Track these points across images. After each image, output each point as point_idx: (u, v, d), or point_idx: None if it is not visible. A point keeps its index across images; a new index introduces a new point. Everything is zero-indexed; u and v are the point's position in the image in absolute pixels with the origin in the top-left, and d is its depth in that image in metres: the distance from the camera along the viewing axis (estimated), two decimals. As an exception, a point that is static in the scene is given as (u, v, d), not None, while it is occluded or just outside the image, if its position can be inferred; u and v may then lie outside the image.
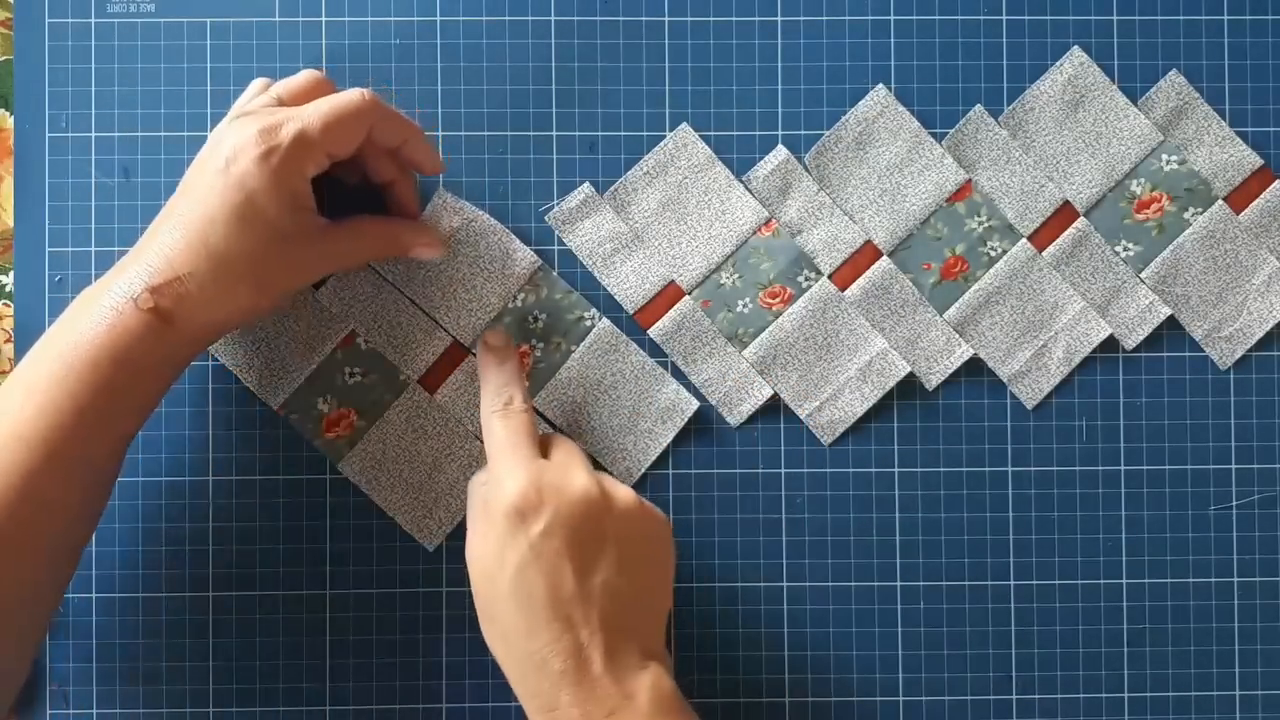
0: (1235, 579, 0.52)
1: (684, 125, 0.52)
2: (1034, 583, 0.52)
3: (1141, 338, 0.52)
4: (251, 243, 0.40)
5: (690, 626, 0.52)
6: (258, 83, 0.47)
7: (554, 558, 0.41)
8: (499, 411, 0.45)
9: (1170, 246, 0.52)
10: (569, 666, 0.40)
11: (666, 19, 0.52)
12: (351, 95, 0.43)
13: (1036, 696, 0.52)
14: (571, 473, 0.43)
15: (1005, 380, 0.52)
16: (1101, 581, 0.52)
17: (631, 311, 0.52)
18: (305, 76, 0.46)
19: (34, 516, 0.39)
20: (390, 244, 0.48)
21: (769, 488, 0.52)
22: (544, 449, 0.45)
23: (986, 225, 0.52)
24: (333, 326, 0.51)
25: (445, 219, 0.51)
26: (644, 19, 0.52)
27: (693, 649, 0.52)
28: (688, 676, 0.52)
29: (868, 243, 0.52)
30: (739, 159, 0.52)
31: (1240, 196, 0.52)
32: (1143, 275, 0.52)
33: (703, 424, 0.52)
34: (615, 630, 0.41)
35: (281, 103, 0.44)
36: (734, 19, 0.52)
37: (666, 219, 0.52)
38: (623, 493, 0.44)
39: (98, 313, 0.40)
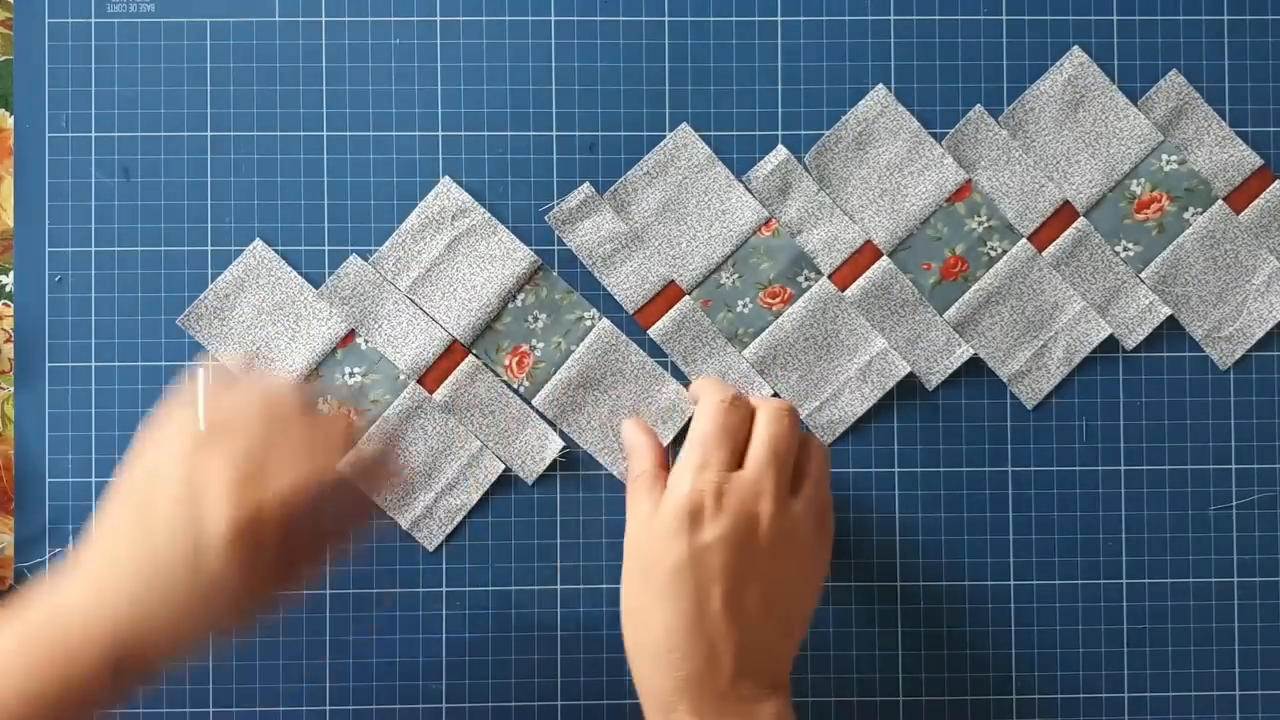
0: (1235, 579, 0.52)
1: (684, 125, 0.52)
2: (1034, 583, 0.52)
3: (1141, 338, 0.52)
4: (224, 620, 0.39)
5: (690, 626, 0.52)
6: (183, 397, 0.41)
7: (710, 573, 0.40)
8: (720, 403, 0.43)
9: (1170, 246, 0.52)
10: (693, 677, 0.40)
11: (666, 19, 0.52)
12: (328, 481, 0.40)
13: (1036, 696, 0.52)
14: (760, 497, 0.41)
15: (1005, 380, 0.52)
16: (1101, 581, 0.52)
17: (631, 311, 0.52)
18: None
19: None
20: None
21: (769, 488, 0.52)
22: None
23: (986, 225, 0.52)
24: (333, 326, 0.51)
25: (447, 206, 0.51)
26: (644, 19, 0.52)
27: (693, 649, 0.52)
28: (688, 676, 0.52)
29: (868, 243, 0.52)
30: (739, 159, 0.52)
31: (1240, 196, 0.52)
32: (1143, 275, 0.52)
33: (703, 424, 0.52)
34: (748, 656, 0.41)
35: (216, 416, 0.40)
36: (734, 19, 0.52)
37: (666, 219, 0.52)
38: (803, 529, 0.42)
39: (64, 660, 0.37)
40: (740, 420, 0.43)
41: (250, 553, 0.37)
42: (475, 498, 0.51)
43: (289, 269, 0.51)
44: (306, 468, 0.39)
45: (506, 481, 0.52)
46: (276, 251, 0.51)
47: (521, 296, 0.52)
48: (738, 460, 0.42)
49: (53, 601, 0.38)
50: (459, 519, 0.52)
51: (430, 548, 0.52)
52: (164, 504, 0.38)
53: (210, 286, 0.51)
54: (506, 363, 0.52)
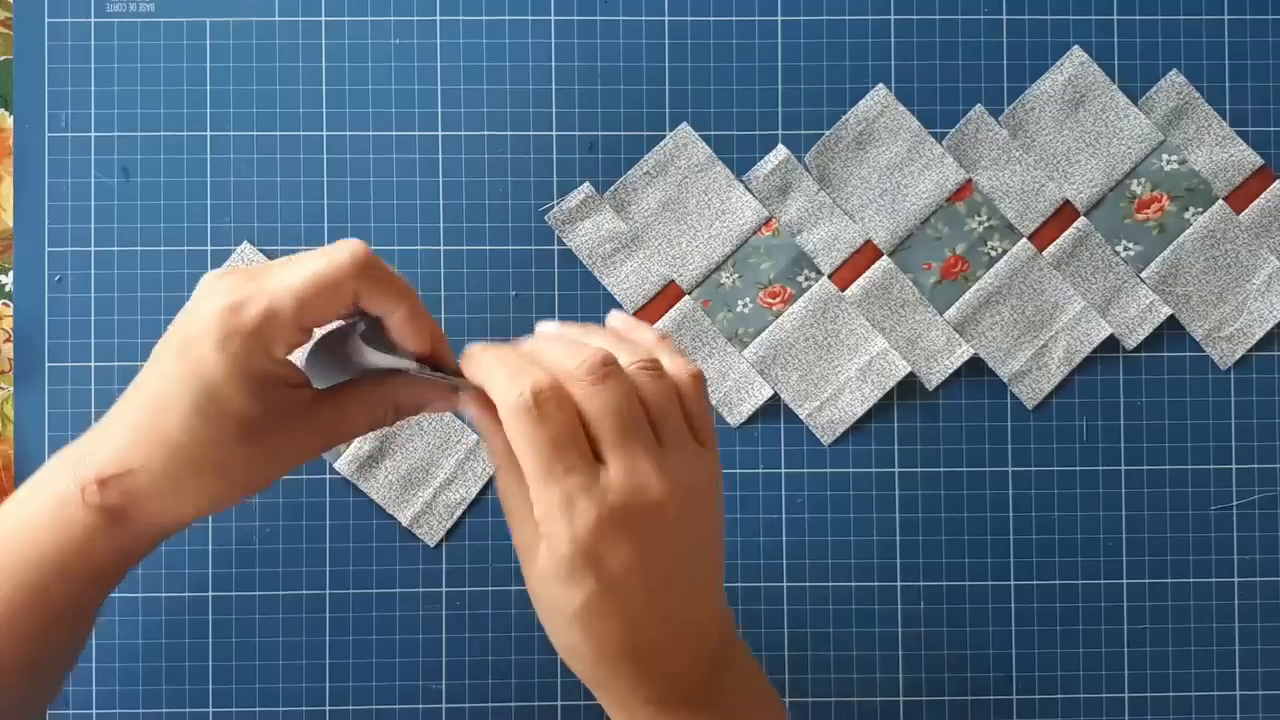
0: (1235, 579, 0.52)
1: (684, 125, 0.52)
2: (1034, 583, 0.52)
3: (1142, 337, 0.52)
4: (213, 434, 0.33)
5: (690, 626, 0.52)
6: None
7: (626, 599, 0.34)
8: (518, 409, 0.33)
9: (1170, 246, 0.52)
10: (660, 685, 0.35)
11: (666, 19, 0.52)
12: (336, 259, 0.33)
13: (1036, 696, 0.52)
14: (642, 488, 0.33)
15: (1005, 380, 0.52)
16: (1101, 581, 0.52)
17: (631, 311, 0.52)
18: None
19: None
20: (390, 410, 0.37)
21: (769, 488, 0.52)
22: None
23: (987, 225, 0.52)
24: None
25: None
26: (644, 19, 0.52)
27: (693, 649, 0.52)
28: (688, 676, 0.52)
29: (868, 242, 0.52)
30: (739, 159, 0.52)
31: (1240, 196, 0.52)
32: (1143, 275, 0.52)
33: (703, 424, 0.52)
34: (697, 634, 0.36)
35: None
36: (734, 19, 0.52)
37: (666, 219, 0.52)
38: (691, 479, 0.34)
39: (41, 503, 0.34)
40: (564, 415, 0.33)
41: (247, 362, 0.32)
42: (474, 491, 0.51)
43: (289, 269, 0.51)
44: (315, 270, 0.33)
45: (506, 481, 0.52)
46: (277, 251, 0.51)
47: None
48: (590, 454, 0.33)
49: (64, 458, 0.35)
50: (459, 513, 0.52)
51: (431, 543, 0.52)
52: (165, 340, 0.34)
53: (210, 286, 0.51)
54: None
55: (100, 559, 0.34)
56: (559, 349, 0.35)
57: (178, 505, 0.34)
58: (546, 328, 0.38)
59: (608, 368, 0.34)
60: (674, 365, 0.36)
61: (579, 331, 0.38)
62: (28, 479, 0.35)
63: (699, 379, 0.36)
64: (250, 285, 0.33)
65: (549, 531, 0.33)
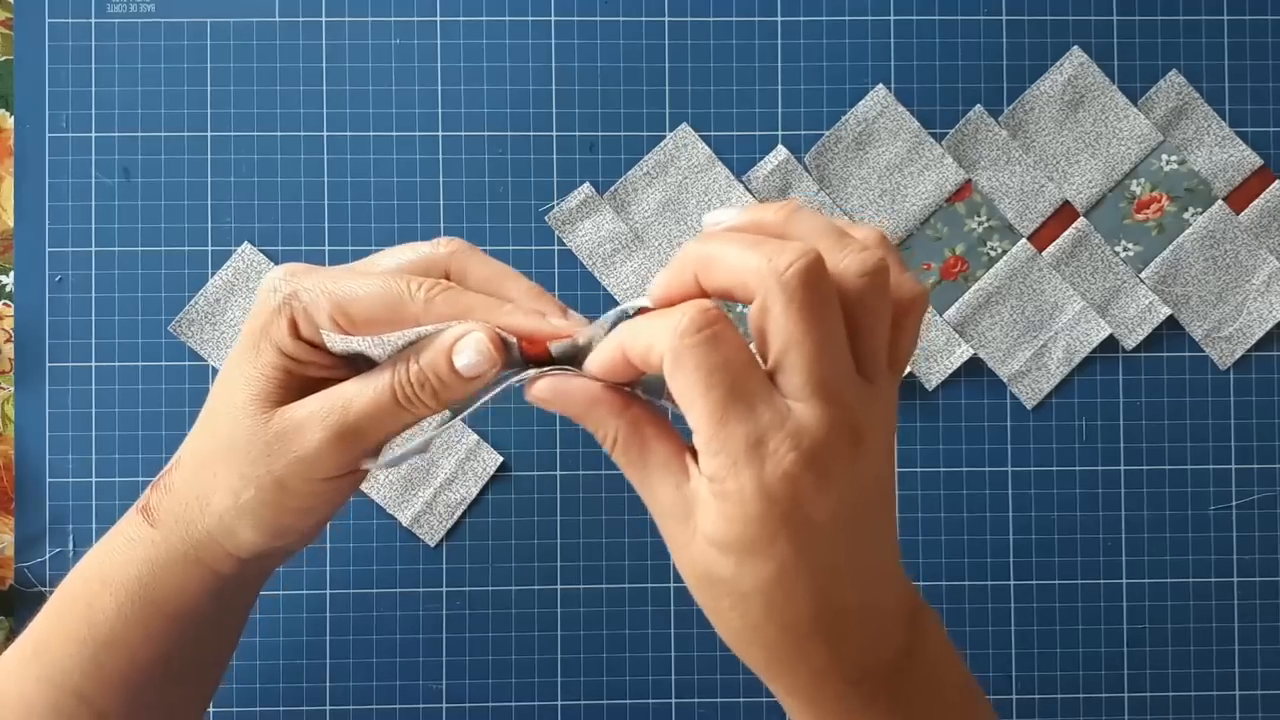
0: (1235, 579, 0.52)
1: (684, 125, 0.52)
2: (1034, 583, 0.52)
3: (1141, 338, 0.52)
4: (226, 426, 0.32)
5: (690, 626, 0.52)
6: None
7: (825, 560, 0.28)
8: (685, 334, 0.27)
9: (1170, 246, 0.52)
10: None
11: (666, 19, 0.52)
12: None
13: (1036, 696, 0.52)
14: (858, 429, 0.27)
15: (1005, 380, 0.52)
16: (1101, 581, 0.52)
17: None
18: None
19: None
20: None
21: (769, 488, 0.52)
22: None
23: (986, 225, 0.52)
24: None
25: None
26: (644, 19, 0.52)
27: (692, 648, 0.52)
28: (687, 676, 0.52)
29: (868, 243, 0.52)
30: (739, 159, 0.52)
31: (1240, 196, 0.52)
32: (1142, 275, 0.52)
33: (703, 424, 0.52)
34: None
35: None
36: (734, 19, 0.52)
37: (666, 219, 0.52)
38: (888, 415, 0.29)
39: (179, 567, 0.34)
40: (736, 336, 0.28)
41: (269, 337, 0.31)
42: (474, 491, 0.51)
43: (289, 269, 0.51)
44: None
45: (507, 481, 0.52)
46: (277, 252, 0.51)
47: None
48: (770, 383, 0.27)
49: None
50: (459, 513, 0.52)
51: (431, 543, 0.52)
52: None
53: (200, 292, 0.51)
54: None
55: (144, 574, 0.33)
56: (737, 252, 0.28)
57: (203, 509, 0.33)
58: (720, 216, 0.31)
59: (813, 273, 0.27)
60: (900, 280, 0.28)
61: (776, 214, 0.30)
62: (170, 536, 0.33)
63: (922, 300, 0.29)
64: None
65: (729, 487, 0.26)
